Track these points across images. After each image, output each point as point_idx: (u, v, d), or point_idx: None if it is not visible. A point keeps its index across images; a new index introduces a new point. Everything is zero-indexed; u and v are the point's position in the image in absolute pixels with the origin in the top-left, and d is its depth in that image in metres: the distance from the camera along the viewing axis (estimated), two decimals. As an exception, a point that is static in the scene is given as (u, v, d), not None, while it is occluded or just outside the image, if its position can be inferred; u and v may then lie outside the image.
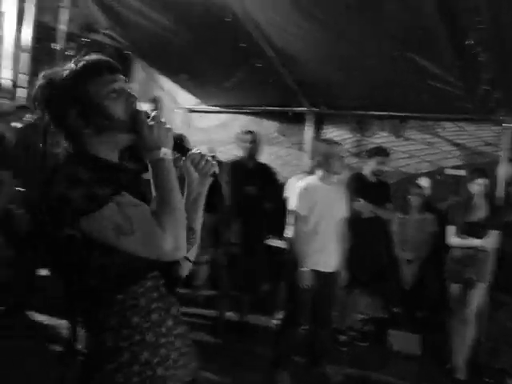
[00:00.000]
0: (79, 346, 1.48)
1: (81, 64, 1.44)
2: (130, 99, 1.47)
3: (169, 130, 1.46)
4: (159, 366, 1.43)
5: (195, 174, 1.64)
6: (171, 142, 1.46)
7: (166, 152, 1.43)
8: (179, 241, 1.37)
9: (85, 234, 1.32)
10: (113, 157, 1.49)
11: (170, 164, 1.43)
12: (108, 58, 1.49)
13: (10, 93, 4.35)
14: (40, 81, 1.45)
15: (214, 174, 1.64)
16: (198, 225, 1.69)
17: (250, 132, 5.17)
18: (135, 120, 1.44)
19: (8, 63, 5.58)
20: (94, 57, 1.47)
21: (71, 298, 1.49)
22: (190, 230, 1.60)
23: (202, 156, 1.61)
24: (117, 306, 1.40)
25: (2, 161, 3.63)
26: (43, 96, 1.44)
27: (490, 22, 3.99)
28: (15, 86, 5.42)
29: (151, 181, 1.44)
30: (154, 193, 1.42)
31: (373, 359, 4.64)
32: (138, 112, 1.46)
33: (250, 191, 4.93)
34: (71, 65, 1.45)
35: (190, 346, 1.57)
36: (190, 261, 1.64)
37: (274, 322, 4.87)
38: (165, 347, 1.46)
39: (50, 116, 1.46)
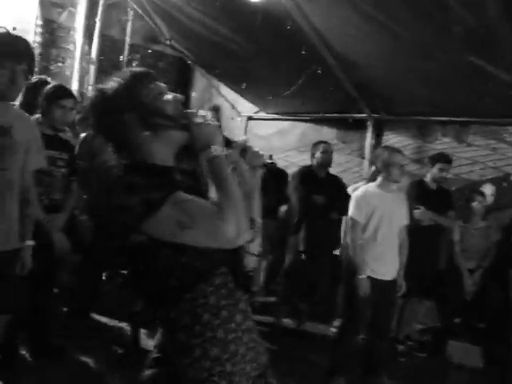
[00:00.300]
0: (155, 343, 1.53)
1: (127, 74, 1.54)
2: (177, 100, 1.54)
3: (217, 126, 1.51)
4: (228, 362, 1.47)
5: (245, 166, 1.68)
6: (221, 139, 1.51)
7: (217, 148, 1.47)
8: (241, 226, 1.40)
9: (149, 237, 1.39)
10: (169, 161, 1.55)
11: (223, 159, 1.48)
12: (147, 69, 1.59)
13: (78, 104, 4.54)
14: (92, 94, 1.55)
15: (264, 165, 1.69)
16: (257, 216, 1.72)
17: (323, 142, 5.22)
18: (185, 119, 1.51)
19: (76, 75, 5.85)
20: (136, 68, 1.58)
21: (145, 299, 1.57)
22: (250, 220, 1.62)
23: (247, 148, 1.66)
24: (188, 305, 1.46)
25: (71, 169, 3.78)
26: (99, 107, 1.53)
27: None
28: (83, 97, 5.67)
29: (208, 177, 1.50)
30: (211, 189, 1.48)
31: (431, 370, 4.51)
32: (186, 112, 1.53)
33: (319, 200, 4.95)
34: (116, 78, 1.54)
35: (258, 341, 1.61)
36: (254, 254, 1.68)
37: (332, 329, 4.83)
38: (234, 343, 1.50)
39: (106, 127, 1.54)
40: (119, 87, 1.50)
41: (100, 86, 1.55)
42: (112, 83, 1.52)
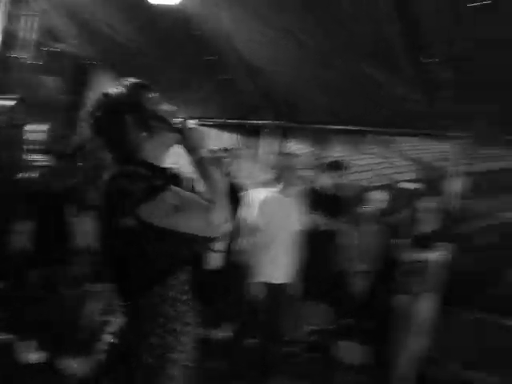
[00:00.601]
0: (112, 329, 1.66)
1: (128, 82, 1.74)
2: (171, 109, 1.77)
3: (204, 132, 1.74)
4: (176, 350, 1.65)
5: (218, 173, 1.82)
6: (207, 143, 1.74)
7: (205, 150, 1.71)
8: (226, 215, 1.63)
9: (142, 221, 1.55)
10: (160, 161, 1.77)
11: (209, 159, 1.71)
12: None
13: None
14: (97, 96, 1.74)
15: (229, 173, 1.83)
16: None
17: (225, 149, 5.24)
18: (178, 124, 1.73)
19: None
20: (135, 79, 1.78)
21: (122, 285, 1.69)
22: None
23: (219, 158, 1.80)
24: (156, 299, 1.64)
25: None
26: (103, 107, 1.71)
27: (451, 39, 4.09)
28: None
29: (196, 176, 1.70)
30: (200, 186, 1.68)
31: (322, 370, 4.64)
32: (181, 119, 1.73)
33: None
34: (119, 85, 1.73)
35: (195, 335, 1.77)
36: (219, 251, 1.81)
37: (224, 334, 4.79)
38: (185, 335, 1.68)
39: (108, 126, 1.70)
40: (122, 92, 1.71)
41: (105, 90, 1.73)
42: (115, 89, 1.72)
